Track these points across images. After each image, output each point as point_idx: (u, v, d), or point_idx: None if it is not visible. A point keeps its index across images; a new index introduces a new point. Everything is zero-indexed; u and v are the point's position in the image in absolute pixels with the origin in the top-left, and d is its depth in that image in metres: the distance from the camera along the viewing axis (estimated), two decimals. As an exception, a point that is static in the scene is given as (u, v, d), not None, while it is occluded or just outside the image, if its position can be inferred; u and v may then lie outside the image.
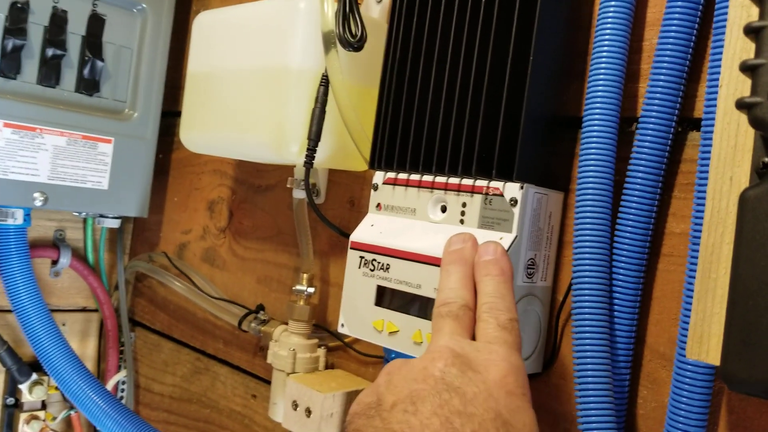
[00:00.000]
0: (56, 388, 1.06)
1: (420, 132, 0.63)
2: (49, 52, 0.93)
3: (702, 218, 0.45)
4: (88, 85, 0.97)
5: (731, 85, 0.44)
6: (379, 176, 0.67)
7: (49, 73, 0.94)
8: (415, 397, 0.43)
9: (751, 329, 0.37)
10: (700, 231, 0.45)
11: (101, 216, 1.07)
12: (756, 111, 0.37)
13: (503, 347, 0.46)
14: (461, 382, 0.44)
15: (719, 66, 0.46)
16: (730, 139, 0.44)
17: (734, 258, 0.38)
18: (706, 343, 0.44)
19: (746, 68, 0.38)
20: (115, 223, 1.08)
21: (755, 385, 0.36)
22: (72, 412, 1.12)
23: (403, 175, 0.64)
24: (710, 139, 0.49)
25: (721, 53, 0.45)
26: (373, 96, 0.68)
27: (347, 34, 0.67)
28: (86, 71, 0.97)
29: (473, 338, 0.49)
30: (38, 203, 0.94)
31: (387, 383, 0.46)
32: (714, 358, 0.43)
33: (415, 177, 0.63)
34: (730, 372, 0.38)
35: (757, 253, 0.37)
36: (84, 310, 1.17)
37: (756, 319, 0.36)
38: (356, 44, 0.67)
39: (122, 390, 1.17)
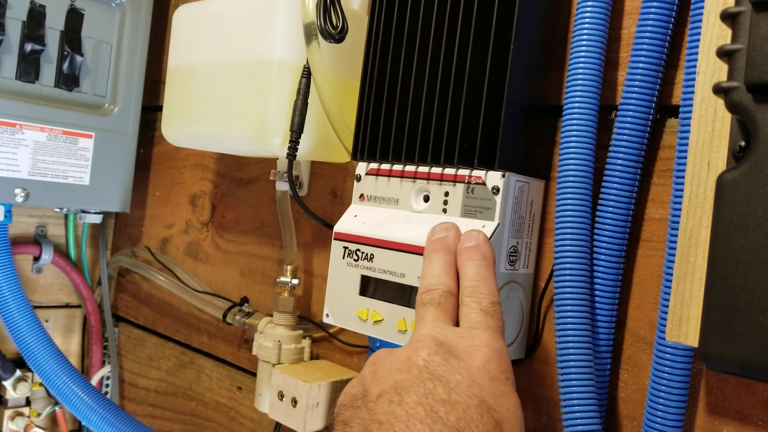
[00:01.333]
0: (40, 385, 1.06)
1: (402, 122, 0.63)
2: (28, 47, 0.93)
3: (680, 203, 0.46)
4: (68, 80, 0.97)
5: (708, 71, 0.45)
6: (361, 167, 0.67)
7: (28, 68, 0.93)
8: (399, 388, 0.44)
9: (729, 309, 0.37)
10: (679, 216, 0.46)
11: (83, 211, 1.06)
12: (733, 95, 0.38)
13: (486, 332, 0.47)
14: (444, 370, 0.44)
15: (696, 53, 0.47)
16: (707, 125, 0.45)
17: (712, 240, 0.39)
18: (685, 326, 0.45)
19: (723, 53, 0.39)
20: (96, 219, 1.08)
21: (733, 363, 0.37)
22: (57, 408, 1.12)
23: (385, 166, 0.65)
24: (688, 125, 0.50)
25: (698, 41, 0.46)
26: (354, 87, 0.68)
27: (328, 25, 0.67)
28: (65, 66, 0.96)
29: (457, 324, 0.49)
30: (19, 199, 0.93)
31: (372, 374, 0.47)
32: (693, 340, 0.44)
33: (397, 167, 0.64)
34: (709, 351, 0.38)
35: (734, 235, 0.38)
36: (67, 306, 1.17)
37: (733, 299, 0.37)
38: (337, 36, 0.67)
39: (107, 385, 1.16)
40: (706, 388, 0.53)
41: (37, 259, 1.10)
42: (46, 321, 1.14)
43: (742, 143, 0.40)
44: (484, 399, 0.43)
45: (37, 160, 0.95)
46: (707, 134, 0.45)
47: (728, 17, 0.38)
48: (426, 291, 0.51)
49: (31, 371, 1.02)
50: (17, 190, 0.93)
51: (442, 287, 0.51)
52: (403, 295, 0.60)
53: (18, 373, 1.05)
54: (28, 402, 1.09)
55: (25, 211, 1.09)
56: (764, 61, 0.36)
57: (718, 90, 0.38)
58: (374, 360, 0.48)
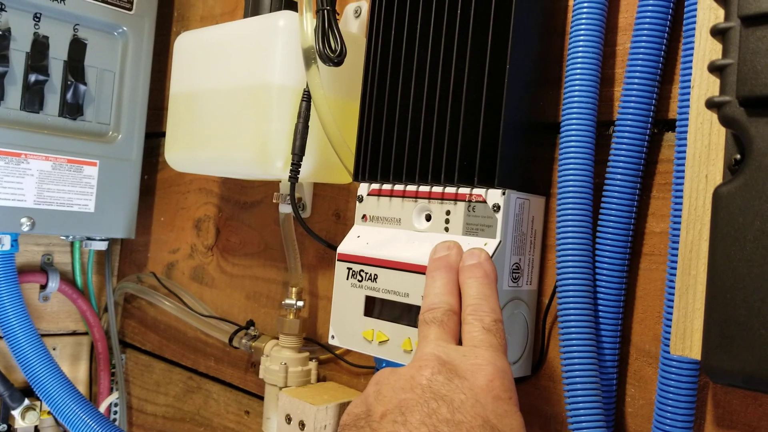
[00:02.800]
0: (49, 413, 1.06)
1: (402, 142, 0.63)
2: (32, 77, 0.94)
3: (680, 217, 0.46)
4: (72, 109, 0.98)
5: (702, 85, 0.45)
6: (363, 188, 0.67)
7: (33, 98, 0.94)
8: (403, 407, 0.44)
9: (729, 322, 0.37)
10: (679, 229, 0.46)
11: (88, 239, 1.07)
12: (725, 110, 0.38)
13: (489, 351, 0.47)
14: (448, 389, 0.44)
15: (691, 68, 0.47)
16: (703, 139, 0.45)
17: (710, 253, 0.39)
18: (689, 339, 0.45)
19: (714, 68, 0.39)
20: (102, 246, 1.08)
21: (735, 375, 0.37)
22: (65, 437, 1.12)
23: (387, 186, 0.65)
24: (685, 139, 0.50)
25: (692, 55, 0.47)
26: (354, 109, 0.69)
27: (327, 49, 0.68)
28: (69, 95, 0.97)
29: (459, 342, 0.50)
30: (25, 228, 0.94)
31: (376, 393, 0.47)
32: (697, 353, 0.44)
33: (399, 187, 0.64)
34: (712, 364, 0.38)
35: (732, 248, 0.38)
36: (74, 333, 1.17)
37: (733, 312, 0.37)
38: (336, 59, 0.68)
39: (115, 412, 1.16)
40: (713, 401, 0.53)
41: (43, 287, 1.10)
42: (54, 349, 1.14)
43: (737, 156, 0.40)
44: (488, 419, 0.43)
45: (42, 189, 0.95)
46: (704, 147, 0.45)
47: (718, 33, 0.39)
48: (428, 310, 0.51)
49: (40, 400, 1.02)
50: (23, 219, 0.94)
51: (444, 306, 0.51)
52: (407, 314, 0.60)
53: (26, 401, 1.05)
54: (36, 431, 1.09)
55: (32, 239, 1.10)
56: (755, 75, 0.36)
57: (711, 105, 0.39)
58: (378, 379, 0.48)
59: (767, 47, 0.36)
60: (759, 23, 0.37)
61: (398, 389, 0.45)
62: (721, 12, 0.43)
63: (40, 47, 0.94)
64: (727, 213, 0.38)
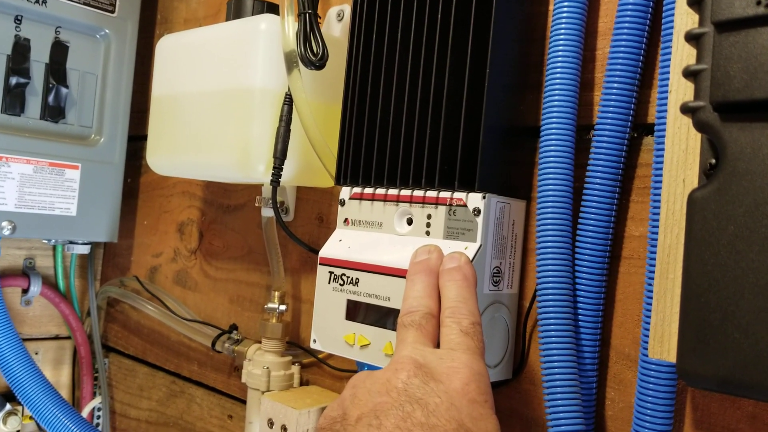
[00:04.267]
0: (31, 418, 1.05)
1: (383, 146, 0.63)
2: (13, 80, 0.93)
3: (659, 220, 0.47)
4: (53, 112, 0.97)
5: (680, 90, 0.45)
6: (345, 192, 0.67)
7: (14, 101, 0.94)
8: (378, 411, 0.44)
9: (703, 326, 0.38)
10: (658, 233, 0.46)
11: (71, 242, 1.06)
12: (699, 115, 0.38)
13: (465, 354, 0.47)
14: (423, 393, 0.44)
15: (669, 72, 0.48)
16: (681, 143, 0.45)
17: (685, 257, 0.39)
18: (667, 342, 0.45)
19: (689, 74, 0.39)
20: (85, 249, 1.08)
21: (710, 379, 0.37)
22: (47, 442, 1.11)
23: (368, 190, 0.65)
24: (663, 143, 0.50)
25: (670, 60, 0.47)
26: (336, 112, 0.69)
27: (309, 53, 0.68)
28: (51, 98, 0.97)
29: (438, 345, 0.50)
30: (6, 232, 0.93)
31: (352, 397, 0.47)
32: (675, 356, 0.44)
33: (380, 191, 0.64)
34: (686, 368, 0.39)
35: (706, 252, 0.38)
36: (57, 337, 1.16)
37: (707, 316, 0.38)
38: (318, 63, 0.68)
39: (98, 417, 1.16)
40: (691, 404, 0.53)
41: (25, 291, 1.10)
42: (36, 353, 1.13)
43: (713, 161, 0.40)
44: (463, 422, 0.43)
45: (23, 192, 0.95)
46: (681, 152, 0.45)
47: (692, 38, 0.39)
48: (407, 313, 0.51)
49: (21, 405, 1.01)
50: (4, 223, 0.93)
51: (423, 309, 0.51)
52: (388, 318, 0.60)
53: (8, 406, 1.04)
54: (18, 436, 1.08)
55: (13, 243, 1.09)
56: (728, 81, 0.36)
57: (686, 110, 0.39)
58: (354, 383, 0.48)
59: (740, 53, 0.36)
60: (732, 29, 0.37)
61: (374, 393, 0.45)
62: (697, 17, 0.43)
63: (21, 50, 0.94)
64: (702, 217, 0.38)
